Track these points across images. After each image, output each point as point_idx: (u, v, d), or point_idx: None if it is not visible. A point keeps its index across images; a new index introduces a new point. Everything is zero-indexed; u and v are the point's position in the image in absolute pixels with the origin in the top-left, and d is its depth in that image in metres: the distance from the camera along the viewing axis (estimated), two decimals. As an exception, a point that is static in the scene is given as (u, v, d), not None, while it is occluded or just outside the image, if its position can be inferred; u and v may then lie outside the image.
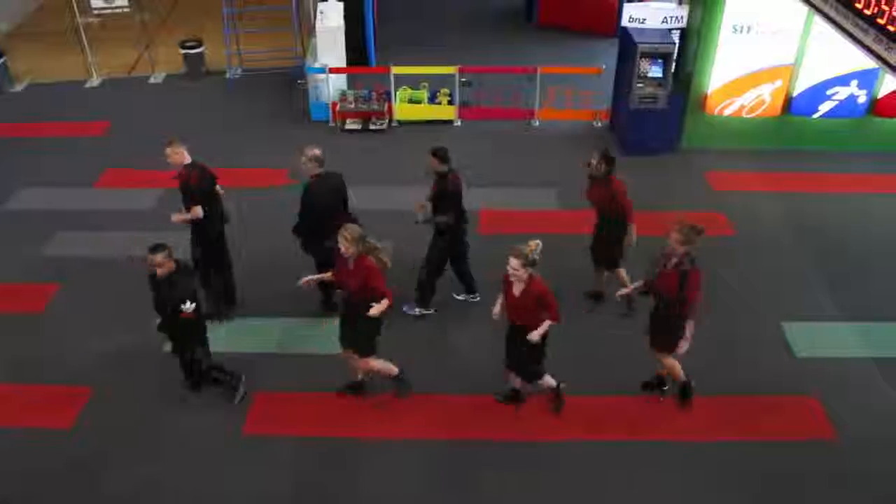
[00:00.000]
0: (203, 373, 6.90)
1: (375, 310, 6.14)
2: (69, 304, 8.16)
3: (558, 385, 6.77)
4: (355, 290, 6.23)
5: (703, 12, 10.21)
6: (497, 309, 6.38)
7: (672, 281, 6.11)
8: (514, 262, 5.90)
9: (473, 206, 9.15)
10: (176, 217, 7.27)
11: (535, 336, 6.11)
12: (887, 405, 7.03)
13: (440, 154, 7.21)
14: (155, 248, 6.21)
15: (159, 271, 6.23)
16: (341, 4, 12.35)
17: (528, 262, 5.91)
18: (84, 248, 8.99)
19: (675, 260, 6.12)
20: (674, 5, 10.67)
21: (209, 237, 7.50)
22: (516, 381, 6.81)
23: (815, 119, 10.76)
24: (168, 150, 7.13)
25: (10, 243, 9.11)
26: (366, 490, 6.27)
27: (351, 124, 11.68)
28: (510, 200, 9.88)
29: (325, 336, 7.68)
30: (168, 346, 6.90)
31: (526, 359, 6.47)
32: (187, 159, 7.20)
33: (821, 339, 7.77)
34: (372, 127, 11.63)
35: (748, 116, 10.81)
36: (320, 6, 12.28)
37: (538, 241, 6.03)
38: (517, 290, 6.07)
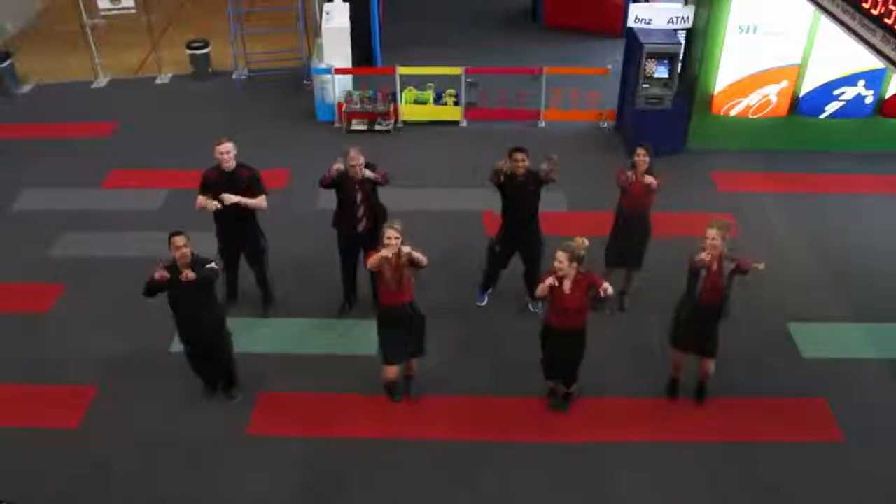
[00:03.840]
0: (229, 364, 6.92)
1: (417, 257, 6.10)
2: (74, 304, 8.17)
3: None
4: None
5: (709, 12, 10.18)
6: (552, 280, 6.00)
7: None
8: (560, 255, 5.89)
9: (478, 208, 9.18)
10: (232, 200, 7.16)
11: (607, 289, 5.94)
12: (895, 406, 7.01)
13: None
14: (175, 233, 6.11)
15: (180, 253, 6.07)
16: (347, 5, 12.34)
17: (575, 258, 5.91)
18: (90, 249, 9.01)
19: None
20: (680, 5, 10.64)
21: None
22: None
23: (821, 119, 10.71)
24: (229, 146, 7.12)
25: (16, 244, 9.13)
26: (368, 490, 6.27)
27: (356, 125, 11.68)
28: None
29: (329, 337, 7.75)
30: (176, 345, 6.91)
31: (576, 360, 6.52)
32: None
33: (828, 339, 7.74)
34: (377, 128, 11.64)
35: (754, 117, 10.78)
36: (326, 7, 12.29)
37: (584, 239, 6.02)
38: (567, 287, 6.03)
